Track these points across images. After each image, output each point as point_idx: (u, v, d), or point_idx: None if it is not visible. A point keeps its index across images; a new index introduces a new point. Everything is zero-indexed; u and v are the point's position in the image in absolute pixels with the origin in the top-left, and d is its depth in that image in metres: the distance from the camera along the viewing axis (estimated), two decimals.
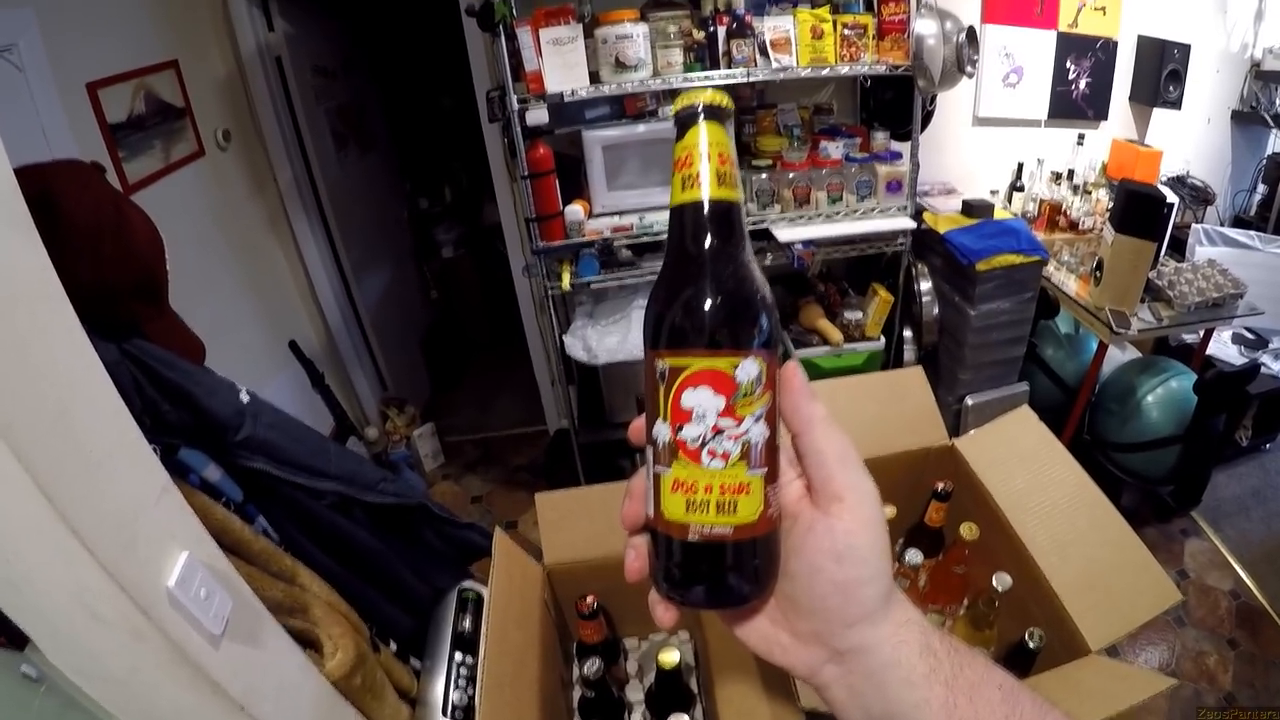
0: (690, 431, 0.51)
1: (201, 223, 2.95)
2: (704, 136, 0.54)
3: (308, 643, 1.48)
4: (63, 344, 0.95)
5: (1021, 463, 1.39)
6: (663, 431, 0.52)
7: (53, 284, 0.93)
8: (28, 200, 0.92)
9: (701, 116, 0.54)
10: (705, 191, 0.53)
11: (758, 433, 0.52)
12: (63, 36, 2.24)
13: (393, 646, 1.78)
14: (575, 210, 2.81)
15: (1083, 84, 3.46)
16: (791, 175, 2.90)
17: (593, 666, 1.29)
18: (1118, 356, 3.40)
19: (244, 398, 1.42)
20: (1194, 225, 3.46)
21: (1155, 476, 3.22)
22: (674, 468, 0.52)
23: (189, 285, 2.68)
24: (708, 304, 0.51)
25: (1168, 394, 3.10)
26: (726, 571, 0.53)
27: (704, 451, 0.51)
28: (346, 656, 1.46)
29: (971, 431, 1.46)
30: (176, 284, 2.58)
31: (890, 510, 1.41)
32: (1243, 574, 3.18)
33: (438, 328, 5.05)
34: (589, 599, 1.34)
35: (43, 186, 1.17)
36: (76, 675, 1.02)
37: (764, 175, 2.91)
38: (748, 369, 0.51)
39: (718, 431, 0.51)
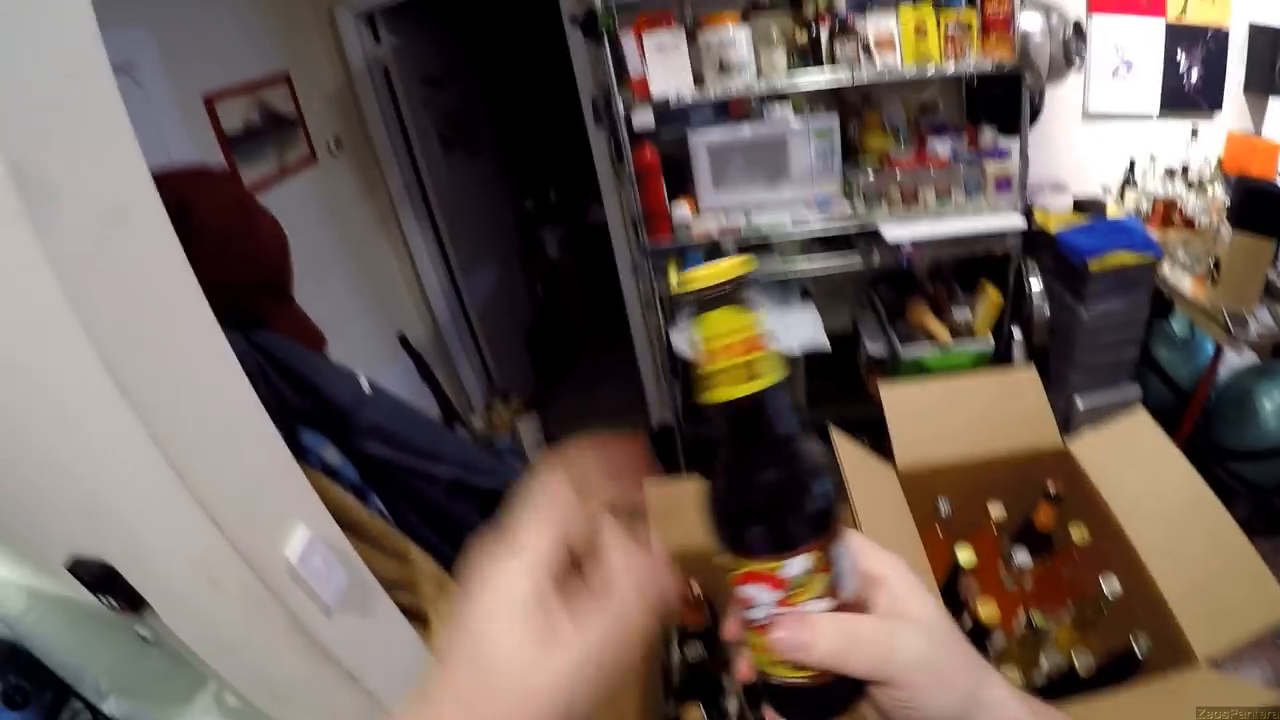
0: (755, 614, 0.52)
1: (315, 224, 3.08)
2: (713, 328, 0.50)
3: (417, 618, 1.53)
4: (196, 336, 1.02)
5: (1136, 467, 1.35)
6: (734, 609, 0.55)
7: (189, 283, 1.00)
8: (165, 207, 0.99)
9: (701, 308, 0.50)
10: (724, 391, 0.52)
11: (817, 607, 0.51)
12: (178, 53, 2.36)
13: None
14: (683, 210, 2.84)
15: (1194, 74, 3.32)
16: (899, 174, 2.87)
17: (694, 651, 1.31)
18: (1235, 361, 3.23)
19: (365, 387, 1.49)
20: None
21: (1271, 487, 3.08)
22: (749, 636, 0.54)
23: (305, 284, 2.74)
24: (742, 513, 0.52)
25: None
26: (807, 707, 0.54)
27: (770, 628, 0.51)
28: None
29: (1085, 433, 1.45)
30: (297, 283, 2.72)
31: (999, 511, 1.40)
32: None
33: (542, 324, 5.10)
34: (693, 584, 1.35)
35: (177, 194, 1.22)
36: (191, 640, 1.08)
37: (870, 174, 2.89)
38: (793, 567, 0.50)
39: (778, 614, 0.51)
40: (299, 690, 1.27)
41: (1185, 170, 3.24)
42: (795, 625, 0.50)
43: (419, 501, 1.63)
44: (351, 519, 1.43)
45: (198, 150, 2.39)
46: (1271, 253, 2.64)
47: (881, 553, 0.56)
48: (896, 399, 1.49)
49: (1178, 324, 3.30)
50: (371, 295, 3.48)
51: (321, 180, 3.12)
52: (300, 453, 1.39)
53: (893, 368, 3.19)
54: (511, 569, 0.50)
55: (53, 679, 1.49)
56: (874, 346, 3.20)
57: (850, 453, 1.30)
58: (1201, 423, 3.18)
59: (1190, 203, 3.20)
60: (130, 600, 1.02)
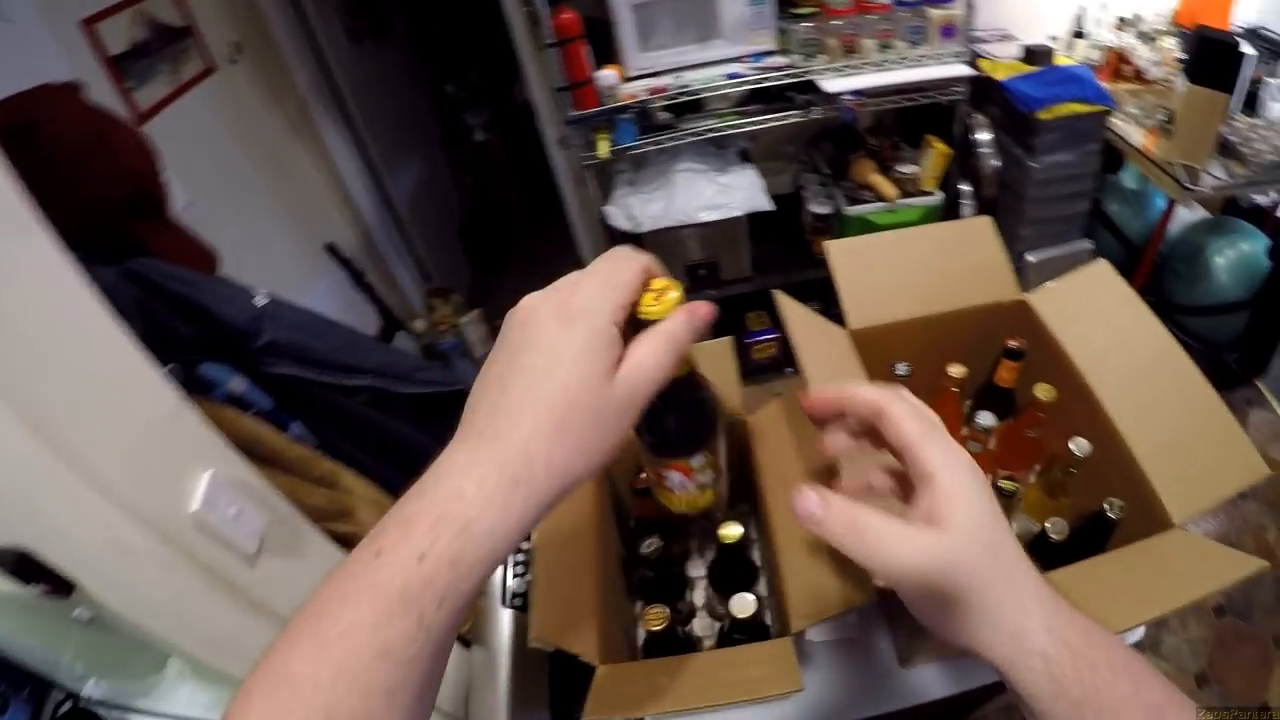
0: (671, 485, 0.82)
1: (221, 139, 2.88)
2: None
3: (355, 546, 1.44)
4: (40, 276, 0.89)
5: (1100, 320, 1.28)
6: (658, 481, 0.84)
7: (22, 214, 0.86)
8: (8, 131, 0.90)
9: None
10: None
11: (708, 478, 0.82)
12: None
13: None
14: (608, 75, 2.68)
15: None
16: (837, 22, 2.72)
17: (650, 546, 1.24)
18: (1185, 216, 3.22)
19: (259, 301, 1.36)
20: (1267, 80, 3.24)
21: (1221, 342, 3.12)
22: (664, 494, 0.85)
23: (216, 205, 2.67)
24: (664, 434, 0.76)
25: (1238, 257, 2.97)
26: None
27: (680, 489, 0.82)
28: None
29: (1045, 286, 1.35)
30: (203, 204, 2.56)
31: (959, 370, 1.32)
32: None
33: (476, 213, 4.94)
34: (644, 475, 1.28)
35: (22, 116, 1.13)
36: (124, 610, 1.01)
37: (808, 24, 2.73)
38: (695, 461, 0.79)
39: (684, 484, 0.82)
40: (243, 644, 1.19)
41: (1138, 20, 3.13)
42: (814, 501, 0.59)
43: (344, 419, 1.54)
44: (269, 450, 1.34)
45: (83, 79, 2.17)
46: (1225, 106, 2.60)
47: (940, 448, 0.59)
48: (843, 255, 1.38)
49: (1129, 177, 3.29)
50: (292, 207, 3.30)
51: (223, 91, 2.90)
52: (203, 387, 1.30)
53: (839, 227, 3.12)
54: (583, 320, 0.56)
55: (28, 675, 1.38)
56: (818, 206, 3.11)
57: (797, 316, 1.20)
58: (1153, 278, 3.18)
59: (1142, 54, 3.11)
60: (57, 583, 0.96)
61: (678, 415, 0.73)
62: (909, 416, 0.60)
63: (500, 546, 0.51)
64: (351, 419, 1.53)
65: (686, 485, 0.81)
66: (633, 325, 0.59)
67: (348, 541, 1.44)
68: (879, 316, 1.33)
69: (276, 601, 1.15)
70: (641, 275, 0.60)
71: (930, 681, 1.31)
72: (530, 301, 0.59)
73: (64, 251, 0.89)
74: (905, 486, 0.62)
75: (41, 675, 1.49)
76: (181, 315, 1.24)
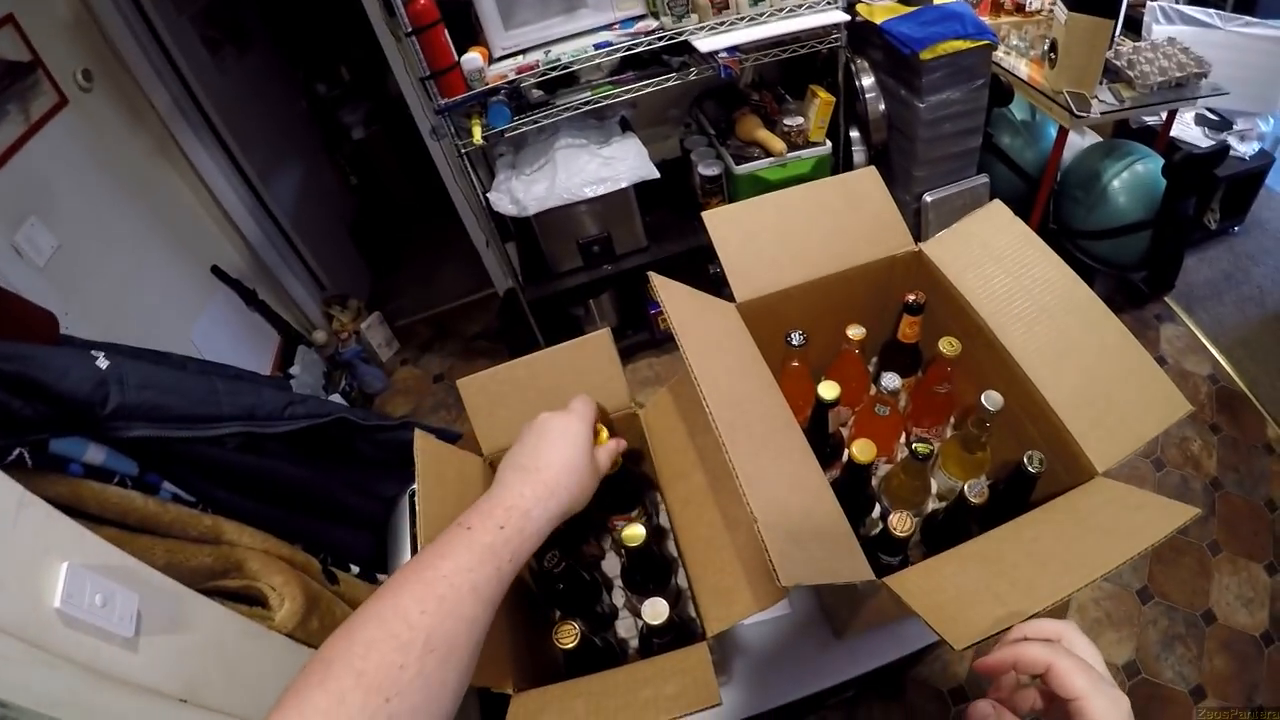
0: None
1: (85, 174, 2.71)
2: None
3: (253, 599, 1.38)
4: None
5: (999, 263, 1.23)
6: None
7: None
8: None
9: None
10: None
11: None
12: None
13: (354, 570, 1.69)
14: (473, 58, 2.53)
15: None
16: None
17: (551, 559, 1.17)
18: (1078, 143, 3.25)
19: (102, 364, 1.25)
20: (1150, 2, 3.25)
21: (1127, 263, 3.15)
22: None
23: (90, 243, 2.56)
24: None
25: (1134, 178, 2.98)
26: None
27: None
28: (295, 605, 1.37)
29: (939, 234, 1.29)
30: (76, 245, 2.43)
31: (858, 331, 1.27)
32: (1219, 358, 3.19)
33: (365, 214, 4.79)
34: None
35: None
36: (31, 708, 0.93)
37: None
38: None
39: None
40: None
41: None
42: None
43: (216, 470, 1.45)
44: (141, 518, 1.26)
45: None
46: (1109, 33, 2.60)
47: (1105, 701, 0.65)
48: (724, 226, 1.33)
49: (1018, 109, 3.28)
50: (171, 233, 3.15)
51: (78, 123, 2.71)
52: (58, 465, 1.21)
53: (730, 187, 3.06)
54: (575, 419, 1.03)
55: None
56: (706, 168, 3.04)
57: (675, 296, 1.13)
58: (1052, 207, 3.22)
59: None
60: None
61: (614, 488, 1.11)
62: (1076, 671, 0.66)
63: (544, 529, 0.89)
64: (225, 468, 1.44)
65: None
66: None
67: (243, 597, 1.36)
68: (768, 285, 1.28)
69: (169, 684, 1.07)
70: (595, 411, 1.08)
71: (868, 651, 1.29)
72: (546, 414, 1.04)
73: None
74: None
75: None
76: (19, 395, 1.13)
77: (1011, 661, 0.70)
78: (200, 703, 1.11)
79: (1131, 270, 3.20)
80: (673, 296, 1.13)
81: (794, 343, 1.23)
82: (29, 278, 2.21)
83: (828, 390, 1.13)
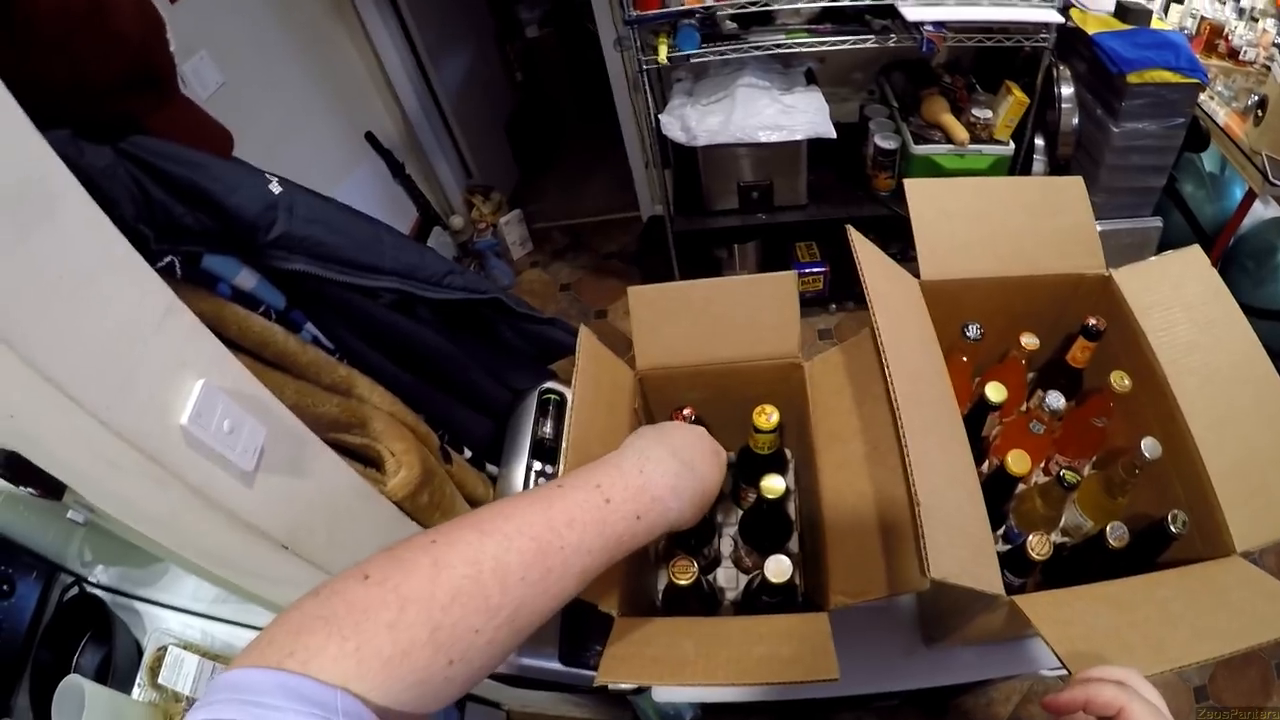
0: None
1: (261, 20, 2.76)
2: None
3: (369, 460, 1.38)
4: (9, 157, 0.74)
5: (1186, 311, 1.16)
6: None
7: None
8: None
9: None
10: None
11: None
12: None
13: (467, 454, 1.70)
14: None
15: None
16: None
17: None
18: (1260, 211, 3.02)
19: (274, 189, 1.22)
20: None
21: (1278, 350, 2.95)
22: None
23: (253, 86, 2.60)
24: None
25: None
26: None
27: None
28: (411, 474, 1.36)
29: (1132, 264, 1.24)
30: (239, 85, 2.47)
31: (1032, 341, 1.23)
32: None
33: (524, 111, 4.75)
34: (686, 411, 1.20)
35: None
36: (120, 518, 0.97)
37: None
38: None
39: None
40: (245, 563, 1.14)
41: None
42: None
43: (363, 322, 1.42)
44: (279, 353, 1.24)
45: None
46: None
47: None
48: (923, 198, 1.27)
49: (1209, 160, 3.07)
50: (332, 92, 3.19)
51: None
52: (207, 281, 1.18)
53: (902, 165, 2.97)
54: (723, 454, 0.97)
55: (39, 560, 1.48)
56: (883, 140, 2.94)
57: (871, 258, 1.09)
58: (1219, 271, 2.99)
59: (1239, 32, 2.92)
60: (48, 485, 0.91)
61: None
62: (1149, 715, 0.65)
63: (665, 531, 0.84)
64: (371, 322, 1.42)
65: None
66: None
67: (359, 455, 1.36)
68: (954, 270, 1.23)
69: (274, 526, 1.07)
70: None
71: (951, 665, 1.27)
72: (700, 428, 0.96)
73: (27, 122, 0.74)
74: None
75: (50, 560, 1.50)
76: (184, 201, 1.10)
77: (1083, 701, 0.68)
78: (299, 552, 1.11)
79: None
80: (869, 257, 1.09)
81: (969, 335, 1.19)
82: None
83: (995, 393, 1.11)
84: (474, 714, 1.94)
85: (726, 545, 1.34)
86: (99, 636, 1.46)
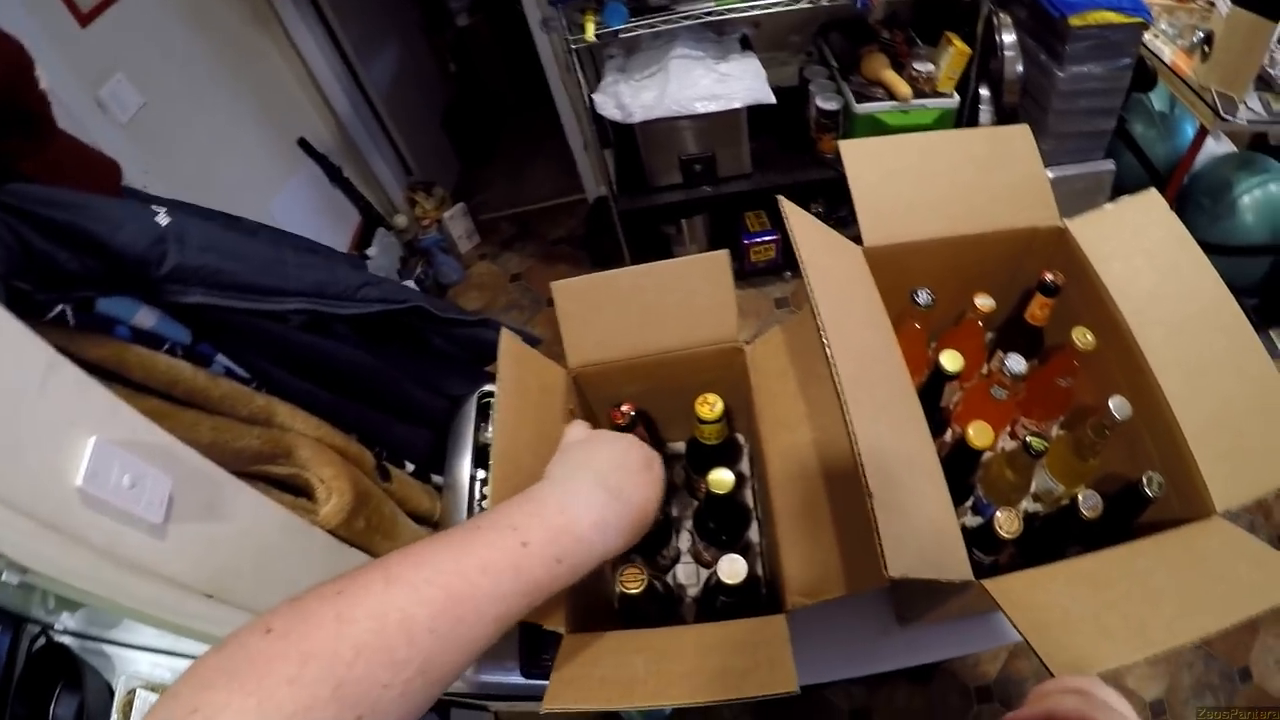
0: None
1: (178, 35, 2.67)
2: None
3: (299, 490, 1.32)
4: None
5: (1148, 259, 1.11)
6: None
7: None
8: None
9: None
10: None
11: None
12: None
13: (409, 467, 1.65)
14: None
15: None
16: None
17: None
18: (1211, 148, 3.01)
19: (161, 220, 1.15)
20: None
21: (1240, 285, 2.90)
22: None
23: (177, 104, 2.54)
24: None
25: (1266, 198, 2.76)
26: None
27: None
28: (342, 500, 1.31)
29: (1088, 213, 1.18)
30: (162, 106, 2.38)
31: (987, 302, 1.18)
32: None
33: (460, 102, 4.68)
34: (624, 407, 1.14)
35: None
36: (49, 577, 0.90)
37: None
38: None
39: None
40: (176, 608, 1.06)
41: None
42: None
43: (276, 347, 1.36)
44: (189, 390, 1.18)
45: None
46: (1270, 36, 2.36)
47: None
48: (861, 159, 1.21)
49: (1157, 99, 3.06)
50: (260, 103, 3.12)
51: None
52: (104, 326, 1.12)
53: (846, 125, 2.92)
54: (659, 464, 0.91)
55: (3, 613, 1.37)
56: (825, 101, 2.89)
57: (805, 228, 1.03)
58: (1175, 210, 2.96)
59: None
60: None
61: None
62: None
63: (590, 570, 0.76)
64: (285, 346, 1.36)
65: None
66: None
67: (288, 486, 1.30)
68: (899, 234, 1.17)
69: (195, 576, 1.01)
70: None
71: (929, 643, 1.22)
72: (624, 436, 0.91)
73: None
74: None
75: (14, 612, 1.40)
76: (68, 247, 1.04)
77: (1045, 716, 0.66)
78: (227, 599, 1.06)
79: (1244, 294, 2.96)
80: (803, 227, 1.02)
81: (920, 302, 1.14)
82: (110, 134, 2.19)
83: (951, 361, 1.06)
84: (460, 718, 1.89)
85: (685, 540, 1.30)
86: (71, 684, 1.40)
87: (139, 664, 1.49)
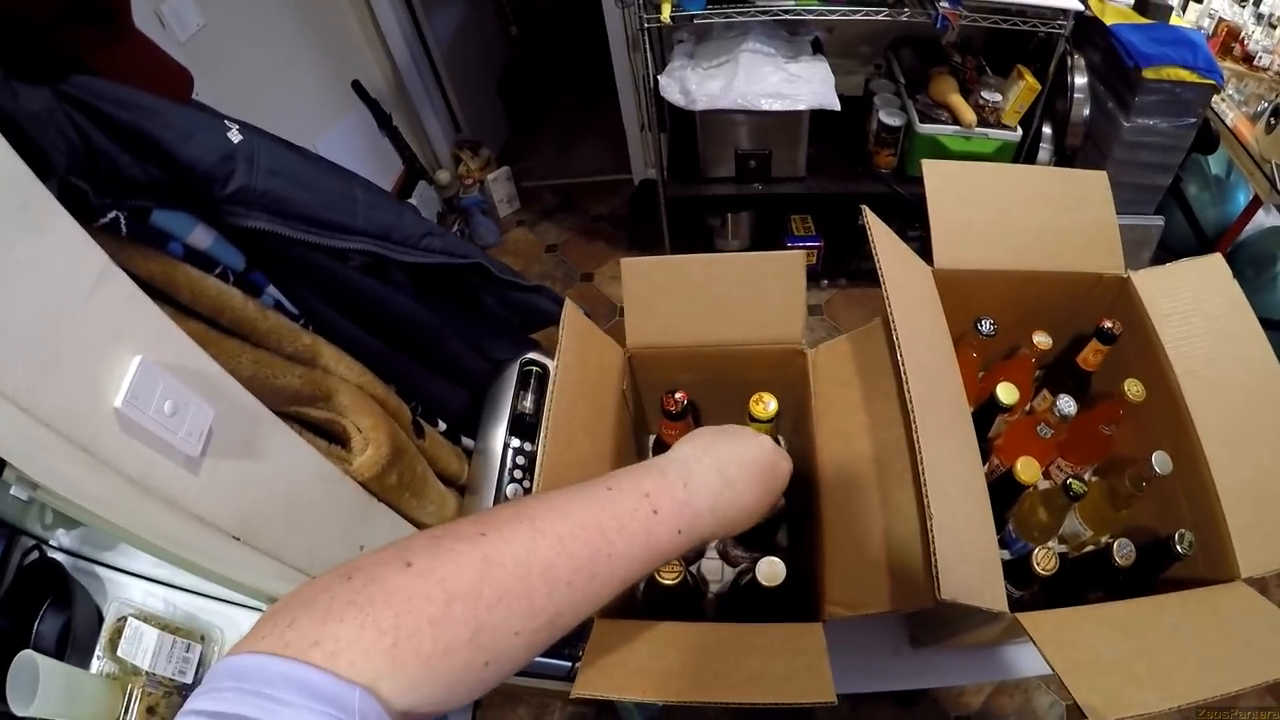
0: None
1: None
2: None
3: (334, 436, 1.30)
4: None
5: (1206, 322, 1.11)
6: None
7: None
8: None
9: None
10: None
11: None
12: None
13: (441, 426, 1.63)
14: None
15: None
16: None
17: None
18: (1261, 219, 2.98)
19: (233, 137, 1.12)
20: None
21: None
22: None
23: (237, 27, 2.58)
24: None
25: None
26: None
27: None
28: (379, 453, 1.29)
29: (1152, 268, 1.18)
30: (222, 26, 2.38)
31: (1045, 340, 1.18)
32: None
33: (517, 66, 4.65)
34: (678, 395, 1.12)
35: None
36: (65, 494, 0.88)
37: None
38: None
39: None
40: (196, 544, 1.04)
41: (1258, 1, 2.87)
42: None
43: (331, 286, 1.33)
44: (235, 319, 1.15)
45: None
46: None
47: None
48: (942, 181, 1.21)
49: (1214, 163, 3.05)
50: (319, 40, 3.11)
51: None
52: (157, 240, 1.08)
53: (906, 144, 2.90)
54: (786, 465, 0.88)
55: None
56: (889, 116, 2.87)
57: (886, 241, 1.03)
58: None
59: (1255, 37, 2.87)
60: None
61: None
62: None
63: (695, 546, 0.77)
64: (340, 286, 1.33)
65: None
66: None
67: (323, 431, 1.28)
68: (968, 260, 1.18)
69: (223, 516, 0.98)
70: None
71: (940, 668, 1.23)
72: (765, 437, 0.87)
73: None
74: None
75: (8, 523, 1.42)
76: (132, 150, 1.00)
77: None
78: (253, 542, 1.03)
79: None
80: (884, 241, 1.02)
81: (983, 331, 1.14)
82: (167, 50, 2.16)
83: (1007, 395, 1.06)
84: None
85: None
86: (59, 603, 1.40)
87: (132, 591, 1.48)
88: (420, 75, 3.70)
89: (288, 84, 2.90)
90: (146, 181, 1.02)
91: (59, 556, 1.50)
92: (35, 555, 1.46)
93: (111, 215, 0.98)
